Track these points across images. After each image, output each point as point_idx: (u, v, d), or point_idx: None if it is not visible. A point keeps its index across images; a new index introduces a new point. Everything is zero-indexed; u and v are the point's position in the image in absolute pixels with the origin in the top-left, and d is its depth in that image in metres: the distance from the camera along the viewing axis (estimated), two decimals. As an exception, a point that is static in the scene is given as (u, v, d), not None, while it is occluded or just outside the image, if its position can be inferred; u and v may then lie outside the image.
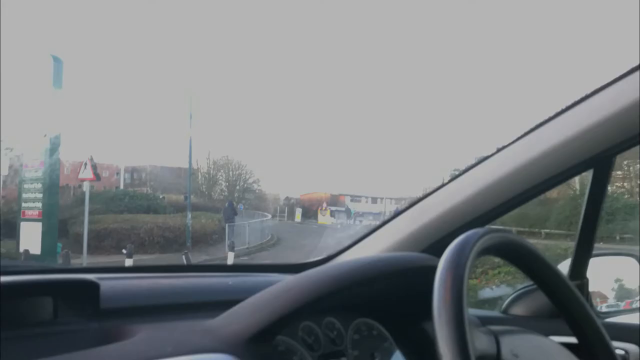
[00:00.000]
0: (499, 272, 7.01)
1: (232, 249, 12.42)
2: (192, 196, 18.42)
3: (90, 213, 12.30)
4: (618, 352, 1.01)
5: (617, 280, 1.56)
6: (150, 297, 0.84)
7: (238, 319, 0.73)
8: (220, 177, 29.53)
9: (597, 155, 1.02)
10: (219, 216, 18.01)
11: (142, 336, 0.70)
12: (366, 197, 35.09)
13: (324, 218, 27.59)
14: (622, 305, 1.52)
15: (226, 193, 28.26)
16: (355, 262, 0.82)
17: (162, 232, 14.93)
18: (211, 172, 29.22)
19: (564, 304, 0.77)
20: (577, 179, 3.10)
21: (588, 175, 1.17)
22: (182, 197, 21.88)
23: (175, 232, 15.28)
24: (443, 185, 1.18)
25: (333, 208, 30.28)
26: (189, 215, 15.87)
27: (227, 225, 16.24)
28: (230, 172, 29.37)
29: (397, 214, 1.24)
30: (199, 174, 28.35)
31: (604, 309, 1.49)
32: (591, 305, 1.36)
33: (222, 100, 46.82)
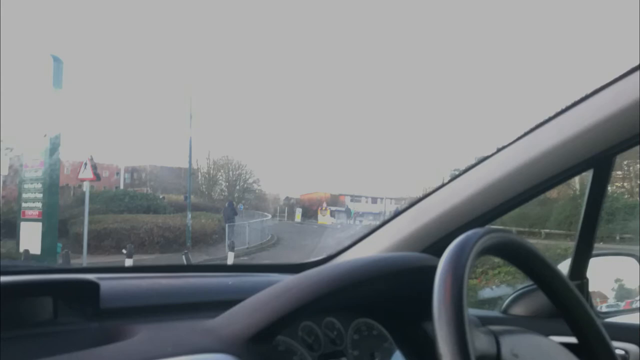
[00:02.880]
0: (499, 272, 7.02)
1: (232, 249, 12.42)
2: (192, 196, 18.42)
3: (90, 213, 12.30)
4: (618, 352, 1.01)
5: (617, 280, 1.56)
6: (150, 297, 0.84)
7: (238, 319, 0.73)
8: (220, 177, 29.55)
9: (597, 155, 1.02)
10: (219, 216, 18.01)
11: (142, 336, 0.70)
12: (366, 197, 35.10)
13: (324, 218, 27.59)
14: (622, 305, 1.52)
15: (226, 193, 28.26)
16: (355, 262, 0.82)
17: (162, 232, 14.92)
18: (211, 172, 29.24)
19: (564, 304, 0.77)
20: (577, 179, 3.10)
21: (588, 175, 1.17)
22: (182, 197, 21.88)
23: (175, 232, 15.28)
24: (443, 185, 1.18)
25: (333, 208, 30.28)
26: (189, 215, 15.87)
27: (227, 225, 16.24)
28: (230, 172, 29.38)
29: (397, 214, 1.23)
30: (199, 174, 28.36)
31: (604, 309, 1.49)
32: (591, 305, 1.36)
33: (222, 100, 46.87)
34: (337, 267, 0.81)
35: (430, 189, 1.20)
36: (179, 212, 17.77)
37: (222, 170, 29.37)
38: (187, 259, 9.42)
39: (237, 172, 29.44)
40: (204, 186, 28.57)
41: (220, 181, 29.54)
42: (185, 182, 20.28)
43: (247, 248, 15.55)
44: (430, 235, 1.15)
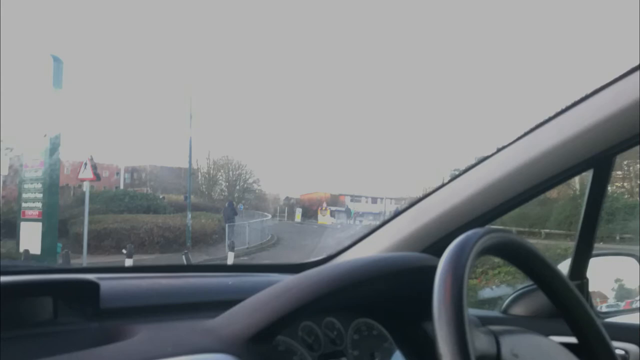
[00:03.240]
0: (499, 272, 7.02)
1: (232, 249, 12.42)
2: (192, 196, 18.42)
3: (90, 213, 12.30)
4: (618, 352, 1.01)
5: (617, 280, 1.56)
6: (150, 297, 0.84)
7: (238, 319, 0.73)
8: (220, 177, 29.54)
9: (597, 155, 1.02)
10: (219, 216, 18.01)
11: (142, 336, 0.70)
12: (366, 197, 35.10)
13: (324, 218, 27.59)
14: (622, 305, 1.52)
15: (226, 193, 28.26)
16: (355, 262, 0.82)
17: (162, 232, 14.92)
18: (211, 172, 29.24)
19: (564, 304, 0.77)
20: (577, 179, 3.10)
21: (588, 175, 1.17)
22: (182, 197, 21.89)
23: (175, 232, 15.28)
24: (443, 185, 1.18)
25: (333, 208, 30.29)
26: (189, 215, 15.87)
27: (227, 225, 16.24)
28: (230, 172, 29.38)
29: (397, 214, 1.23)
30: (199, 174, 28.36)
31: (604, 309, 1.49)
32: (591, 305, 1.36)
33: (222, 100, 46.87)
34: (337, 267, 0.81)
35: (430, 189, 1.20)
36: (179, 212, 17.77)
37: (222, 170, 29.39)
38: (187, 259, 9.42)
39: (237, 172, 29.47)
40: (204, 186, 28.57)
41: (220, 181, 29.57)
42: (185, 182, 20.28)
43: (247, 248, 15.55)
44: (430, 235, 1.15)
